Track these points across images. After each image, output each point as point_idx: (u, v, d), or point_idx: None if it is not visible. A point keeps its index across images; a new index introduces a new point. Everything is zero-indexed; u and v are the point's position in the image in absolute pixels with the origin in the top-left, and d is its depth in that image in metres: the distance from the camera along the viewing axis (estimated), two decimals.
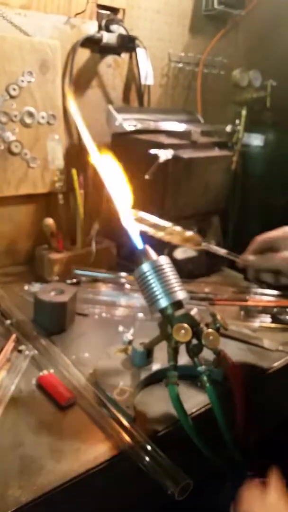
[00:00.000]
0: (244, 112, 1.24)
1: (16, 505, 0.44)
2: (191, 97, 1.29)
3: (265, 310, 0.88)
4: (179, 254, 0.99)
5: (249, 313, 0.88)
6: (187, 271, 1.00)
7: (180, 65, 1.24)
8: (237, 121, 1.24)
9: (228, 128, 1.12)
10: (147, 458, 0.49)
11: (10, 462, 0.48)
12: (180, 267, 0.98)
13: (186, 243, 0.72)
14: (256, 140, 1.20)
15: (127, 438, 0.51)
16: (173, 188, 0.94)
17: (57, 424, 0.55)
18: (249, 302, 0.91)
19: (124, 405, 0.56)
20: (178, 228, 0.74)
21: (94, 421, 0.55)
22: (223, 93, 1.32)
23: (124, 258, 1.03)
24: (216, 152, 1.01)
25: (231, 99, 1.30)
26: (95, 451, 0.51)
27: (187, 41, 1.24)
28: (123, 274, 0.94)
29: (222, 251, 0.76)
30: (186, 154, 0.93)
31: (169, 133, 1.02)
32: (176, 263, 0.96)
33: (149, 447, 0.50)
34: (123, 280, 0.92)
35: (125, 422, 0.53)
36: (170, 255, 0.97)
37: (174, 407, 0.53)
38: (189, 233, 0.73)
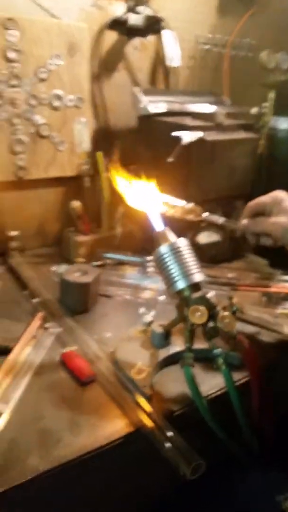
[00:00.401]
0: (271, 95, 1.21)
1: (34, 473, 0.47)
2: (218, 79, 1.27)
3: (287, 297, 0.88)
4: (202, 238, 1.00)
5: (271, 299, 0.88)
6: (210, 255, 1.00)
7: (207, 46, 1.22)
8: (264, 104, 1.22)
9: (254, 111, 1.10)
10: (161, 437, 0.51)
11: (31, 434, 0.52)
12: (203, 251, 0.99)
13: (188, 215, 0.74)
14: (284, 124, 1.18)
15: (143, 416, 0.53)
16: (197, 171, 0.94)
17: (77, 399, 0.58)
18: (271, 288, 0.91)
19: (141, 384, 0.58)
20: (179, 202, 0.75)
21: (112, 398, 0.58)
22: (251, 75, 1.29)
23: (149, 241, 1.04)
24: (241, 135, 1.00)
25: (259, 82, 1.27)
26: (112, 427, 0.53)
27: (214, 22, 1.22)
28: (147, 257, 0.95)
29: (220, 220, 0.78)
30: (211, 136, 0.92)
31: (194, 115, 1.02)
32: (199, 248, 0.98)
33: (163, 426, 0.52)
34: (146, 263, 0.94)
35: (141, 401, 0.55)
36: (193, 239, 0.98)
37: (189, 388, 0.54)
38: (189, 205, 0.74)
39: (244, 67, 1.30)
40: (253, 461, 0.63)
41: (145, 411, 0.53)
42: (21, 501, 0.47)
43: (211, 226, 1.02)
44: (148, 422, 0.52)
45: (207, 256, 0.99)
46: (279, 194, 0.74)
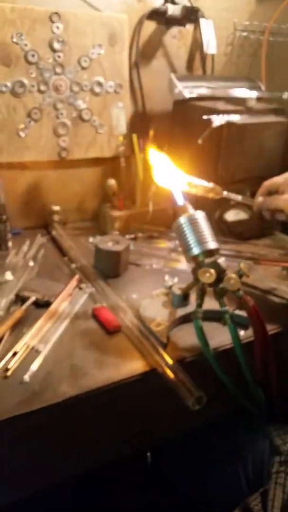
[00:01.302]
0: None
1: (64, 397, 0.57)
2: (256, 65, 1.32)
3: None
4: (230, 216, 1.07)
5: None
6: (237, 233, 1.07)
7: (245, 33, 1.27)
8: None
9: (286, 95, 1.14)
10: (171, 375, 0.60)
11: (63, 368, 0.62)
12: (230, 228, 1.06)
13: (209, 193, 0.82)
14: None
15: (158, 358, 0.62)
16: (226, 153, 1.01)
17: (104, 344, 0.68)
18: None
19: (159, 334, 0.67)
20: (201, 182, 0.83)
21: (134, 345, 0.67)
22: None
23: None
24: (270, 118, 1.06)
25: None
26: (132, 367, 0.63)
27: (253, 9, 1.26)
28: None
29: (238, 198, 0.87)
30: (240, 120, 0.99)
31: (227, 100, 1.08)
32: (226, 225, 1.05)
33: (174, 367, 0.61)
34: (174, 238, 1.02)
35: (158, 347, 0.64)
36: (221, 217, 1.05)
37: (198, 337, 0.63)
38: (210, 185, 0.82)
39: (283, 53, 1.34)
40: (260, 414, 0.70)
41: (160, 355, 0.62)
42: (51, 424, 0.58)
43: (239, 205, 1.08)
44: (162, 363, 0.61)
45: (234, 233, 1.06)
46: None
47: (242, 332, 0.70)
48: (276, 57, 1.32)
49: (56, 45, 0.99)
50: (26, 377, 0.59)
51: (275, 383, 0.67)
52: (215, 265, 0.63)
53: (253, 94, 1.08)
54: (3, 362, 0.62)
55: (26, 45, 0.95)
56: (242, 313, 0.69)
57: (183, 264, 0.94)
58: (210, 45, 1.19)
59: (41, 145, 1.04)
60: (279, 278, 0.93)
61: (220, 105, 1.04)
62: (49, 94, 1.02)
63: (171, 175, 0.77)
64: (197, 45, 1.20)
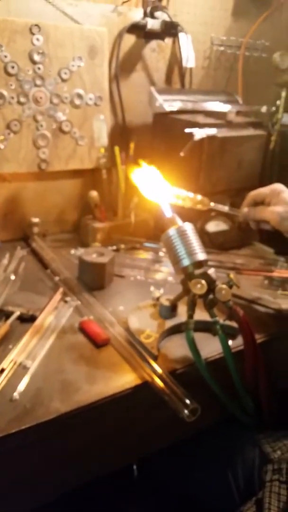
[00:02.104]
0: (284, 94, 1.28)
1: (56, 414, 0.56)
2: (233, 79, 1.35)
3: None
4: (211, 227, 1.08)
5: (273, 282, 0.96)
6: (218, 243, 1.08)
7: (222, 48, 1.30)
8: (278, 102, 1.29)
9: (264, 109, 1.17)
10: (164, 387, 0.59)
11: (53, 383, 0.60)
12: (212, 239, 1.07)
13: (197, 205, 0.83)
14: None
15: (149, 371, 0.62)
16: (208, 165, 1.02)
17: (93, 358, 0.66)
18: (274, 273, 0.98)
19: (149, 346, 0.66)
20: (189, 194, 0.84)
21: (124, 358, 0.66)
22: (265, 75, 1.36)
23: (161, 229, 1.13)
24: (250, 132, 1.08)
25: (272, 81, 1.34)
26: (123, 380, 0.62)
27: (229, 25, 1.30)
28: (159, 243, 1.03)
29: (225, 208, 0.88)
30: (221, 133, 1.00)
31: (207, 113, 1.10)
32: (208, 235, 1.06)
33: (166, 379, 0.60)
34: (157, 248, 1.02)
35: (149, 359, 0.64)
36: (202, 228, 1.06)
37: (190, 348, 0.63)
38: (199, 197, 0.83)
39: (258, 68, 1.38)
40: (249, 422, 0.71)
41: (151, 368, 0.62)
42: (44, 439, 0.56)
43: (219, 216, 1.09)
44: (154, 376, 0.60)
45: (216, 243, 1.07)
46: (277, 186, 0.82)
47: (230, 342, 0.70)
48: (251, 72, 1.36)
49: (36, 57, 0.98)
50: (16, 395, 0.58)
51: (264, 391, 0.68)
52: (206, 276, 0.63)
53: (233, 108, 1.10)
54: None
55: (5, 56, 0.95)
56: (229, 323, 0.69)
57: (167, 275, 0.94)
58: (189, 59, 1.21)
59: (20, 157, 1.03)
60: (261, 287, 0.94)
61: (201, 119, 1.06)
62: (29, 105, 1.01)
63: (158, 187, 0.77)
64: (175, 58, 1.22)
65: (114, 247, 1.02)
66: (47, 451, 0.58)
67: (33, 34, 0.97)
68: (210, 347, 0.69)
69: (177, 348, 0.69)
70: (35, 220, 1.06)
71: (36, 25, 0.96)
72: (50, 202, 1.11)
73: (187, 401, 0.57)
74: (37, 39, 0.97)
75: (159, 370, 0.62)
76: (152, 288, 0.86)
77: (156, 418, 0.65)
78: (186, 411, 0.56)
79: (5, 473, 0.56)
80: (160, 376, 0.61)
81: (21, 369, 0.63)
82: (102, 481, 0.68)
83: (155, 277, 0.94)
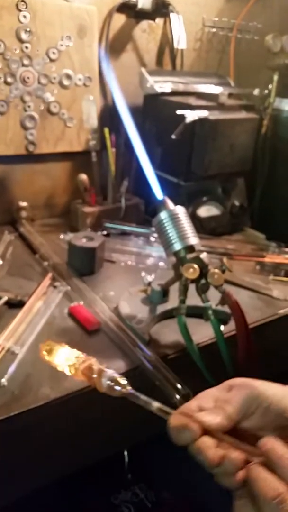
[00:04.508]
0: (276, 77, 1.27)
1: (46, 400, 0.55)
2: (225, 61, 1.32)
3: (279, 266, 0.95)
4: (203, 212, 1.06)
5: (264, 267, 0.95)
6: (210, 228, 1.07)
7: (214, 29, 1.27)
8: (269, 86, 1.27)
9: (256, 92, 1.15)
10: (156, 373, 0.58)
11: (42, 370, 0.59)
12: (203, 224, 1.06)
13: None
14: (287, 105, 1.23)
15: (141, 356, 0.61)
16: (199, 148, 1.00)
17: (84, 344, 0.65)
18: (265, 258, 0.97)
19: (140, 331, 0.65)
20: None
21: (115, 343, 0.65)
22: (257, 58, 1.34)
23: (151, 214, 1.11)
24: (242, 115, 1.06)
25: (264, 64, 1.32)
26: (114, 366, 0.61)
27: (221, 6, 1.27)
28: (149, 228, 1.02)
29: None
30: (213, 115, 0.98)
31: (198, 95, 1.08)
32: (199, 220, 1.05)
33: (158, 365, 0.59)
34: (148, 233, 1.01)
35: (140, 344, 0.63)
36: (193, 213, 1.05)
37: (182, 333, 0.62)
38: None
39: (250, 50, 1.35)
40: None
41: (143, 353, 0.61)
42: (33, 425, 0.55)
43: (211, 201, 1.08)
44: (146, 361, 0.59)
45: (207, 228, 1.06)
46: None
47: (222, 327, 0.69)
48: (243, 54, 1.33)
49: (24, 36, 0.95)
50: (4, 381, 0.56)
51: (256, 376, 0.67)
52: (198, 260, 0.62)
53: (225, 90, 1.08)
54: None
55: None
56: (221, 308, 0.68)
57: (158, 261, 0.93)
58: (181, 40, 1.18)
59: (8, 138, 1.00)
60: (253, 272, 0.93)
61: (192, 100, 1.04)
62: (16, 86, 0.98)
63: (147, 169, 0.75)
64: (166, 39, 1.19)
65: (105, 232, 1.00)
66: (36, 438, 0.57)
67: (19, 10, 0.94)
68: (201, 333, 0.68)
69: (168, 333, 0.68)
70: (23, 204, 1.04)
71: (23, 1, 0.93)
72: (38, 186, 1.09)
73: (179, 386, 0.56)
74: (24, 16, 0.94)
75: (151, 356, 0.60)
76: (143, 274, 0.85)
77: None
78: (177, 396, 0.56)
79: None
80: (151, 362, 0.60)
81: (9, 355, 0.61)
82: (92, 468, 0.67)
83: (146, 262, 0.92)
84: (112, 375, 0.44)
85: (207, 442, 0.38)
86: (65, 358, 0.47)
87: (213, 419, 0.39)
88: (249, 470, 0.35)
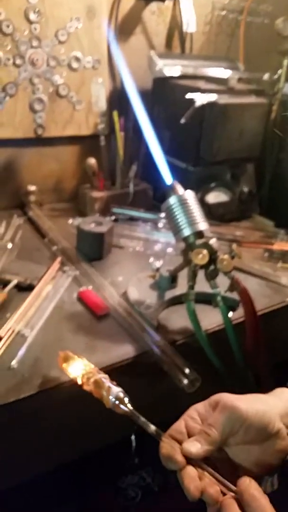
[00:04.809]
0: (286, 62, 1.24)
1: (56, 383, 0.55)
2: (234, 45, 1.30)
3: None
4: (211, 198, 1.06)
5: (273, 255, 0.95)
6: (218, 215, 1.06)
7: (224, 12, 1.25)
8: (279, 71, 1.25)
9: (266, 76, 1.14)
10: (164, 357, 0.58)
11: (52, 352, 0.59)
12: (211, 210, 1.05)
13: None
14: None
15: (150, 341, 0.61)
16: (208, 133, 0.99)
17: (93, 329, 0.66)
18: (274, 246, 0.97)
19: (149, 316, 0.66)
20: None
21: (124, 328, 0.66)
22: (267, 42, 1.32)
23: (160, 200, 1.10)
24: (252, 99, 1.05)
25: (275, 49, 1.30)
26: (123, 350, 0.61)
27: None
28: (158, 214, 1.01)
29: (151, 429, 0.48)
30: (222, 99, 0.97)
31: (208, 79, 1.06)
32: (207, 207, 1.04)
33: (167, 350, 0.59)
34: (157, 219, 1.00)
35: (149, 330, 0.63)
36: (202, 199, 1.04)
37: (190, 320, 0.62)
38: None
39: (260, 34, 1.33)
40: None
41: (151, 338, 0.61)
42: (42, 408, 0.56)
43: (220, 186, 1.07)
44: (154, 346, 0.60)
45: (215, 215, 1.05)
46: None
47: (230, 314, 0.70)
48: (253, 38, 1.31)
49: (32, 16, 0.94)
50: (14, 363, 0.57)
51: (264, 363, 0.67)
52: (207, 246, 0.62)
53: (235, 74, 1.07)
54: None
55: (0, 13, 0.90)
56: (230, 294, 0.68)
57: (166, 247, 0.92)
58: (190, 23, 1.16)
59: (16, 121, 1.00)
60: (261, 260, 0.93)
61: (202, 84, 1.02)
62: (25, 68, 0.97)
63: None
64: (176, 22, 1.18)
65: (113, 218, 1.00)
66: (46, 421, 0.58)
67: None
68: (209, 319, 0.69)
69: (177, 319, 0.69)
70: (32, 188, 1.04)
71: None
72: (47, 170, 1.09)
73: (187, 371, 0.56)
74: None
75: (159, 341, 0.61)
76: (151, 259, 0.85)
77: (156, 390, 0.64)
78: (185, 381, 0.56)
79: (3, 442, 0.55)
80: (160, 347, 0.60)
81: (19, 337, 0.62)
82: (100, 452, 0.68)
83: (154, 248, 0.92)
84: (118, 394, 0.48)
85: (191, 473, 0.41)
86: (79, 369, 0.52)
87: (197, 449, 0.42)
88: (223, 505, 0.39)
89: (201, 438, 0.43)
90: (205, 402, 0.46)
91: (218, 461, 0.44)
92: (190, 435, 0.44)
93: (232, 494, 0.40)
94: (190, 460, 0.42)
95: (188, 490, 0.40)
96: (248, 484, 0.39)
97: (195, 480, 0.40)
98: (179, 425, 0.45)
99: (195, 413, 0.46)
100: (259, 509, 0.38)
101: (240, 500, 0.39)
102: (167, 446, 0.43)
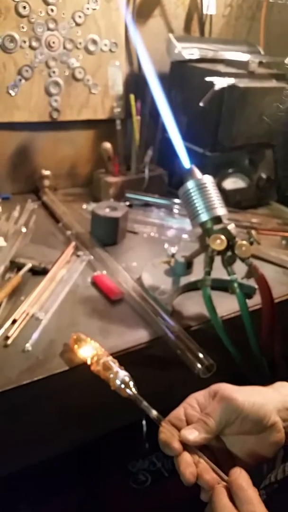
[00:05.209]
0: None
1: (70, 365, 0.55)
2: (255, 28, 1.27)
3: None
4: (228, 184, 1.04)
5: None
6: (235, 201, 1.05)
7: None
8: None
9: (287, 61, 1.11)
10: (179, 343, 0.58)
11: (66, 336, 0.59)
12: (228, 197, 1.03)
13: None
14: None
15: (164, 326, 0.60)
16: (227, 117, 0.97)
17: (107, 313, 0.65)
18: None
19: (163, 302, 0.65)
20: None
21: (138, 314, 0.65)
22: None
23: (175, 186, 1.09)
24: (272, 84, 1.02)
25: None
26: (137, 335, 0.61)
27: None
28: (173, 200, 1.00)
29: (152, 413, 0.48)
30: (242, 83, 0.95)
31: (228, 63, 1.04)
32: (224, 193, 1.02)
33: (181, 335, 0.59)
34: (171, 205, 0.99)
35: (163, 315, 0.62)
36: (219, 185, 1.03)
37: (206, 306, 0.61)
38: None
39: (282, 17, 1.29)
40: (263, 382, 0.70)
41: (166, 323, 0.60)
42: (57, 390, 0.56)
43: (237, 172, 1.06)
44: (169, 332, 0.59)
45: (232, 201, 1.04)
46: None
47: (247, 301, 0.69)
48: (274, 21, 1.28)
49: None
50: (28, 346, 0.57)
51: (279, 351, 0.66)
52: (225, 231, 0.61)
53: (255, 58, 1.04)
54: (3, 329, 0.59)
55: None
56: (246, 281, 0.67)
57: (181, 232, 0.91)
58: (210, 6, 1.13)
59: (32, 105, 0.99)
60: (278, 247, 0.91)
61: (221, 68, 1.00)
62: (41, 51, 0.96)
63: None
64: (195, 4, 1.15)
65: (127, 203, 0.99)
66: (59, 403, 0.58)
67: None
68: (224, 306, 0.67)
69: (191, 305, 0.68)
70: (46, 172, 1.03)
71: None
72: (61, 154, 1.08)
73: (201, 356, 0.56)
74: None
75: (174, 326, 0.60)
76: (166, 245, 0.84)
77: (171, 376, 0.64)
78: (199, 366, 0.55)
79: (17, 425, 0.55)
80: (174, 332, 0.59)
81: (34, 320, 0.62)
82: (111, 436, 0.68)
83: (168, 234, 0.91)
84: (124, 378, 0.50)
85: (187, 459, 0.42)
86: (89, 351, 0.54)
87: (195, 437, 0.43)
88: (213, 493, 0.40)
89: (199, 426, 0.44)
90: (205, 391, 0.47)
91: (216, 450, 0.45)
92: (189, 422, 0.45)
93: (224, 483, 0.41)
94: (187, 446, 0.43)
95: (184, 475, 0.41)
96: (239, 475, 0.40)
97: (190, 466, 0.42)
98: (179, 412, 0.46)
99: (195, 401, 0.47)
100: (245, 499, 0.38)
101: (230, 489, 0.40)
102: (166, 432, 0.44)
